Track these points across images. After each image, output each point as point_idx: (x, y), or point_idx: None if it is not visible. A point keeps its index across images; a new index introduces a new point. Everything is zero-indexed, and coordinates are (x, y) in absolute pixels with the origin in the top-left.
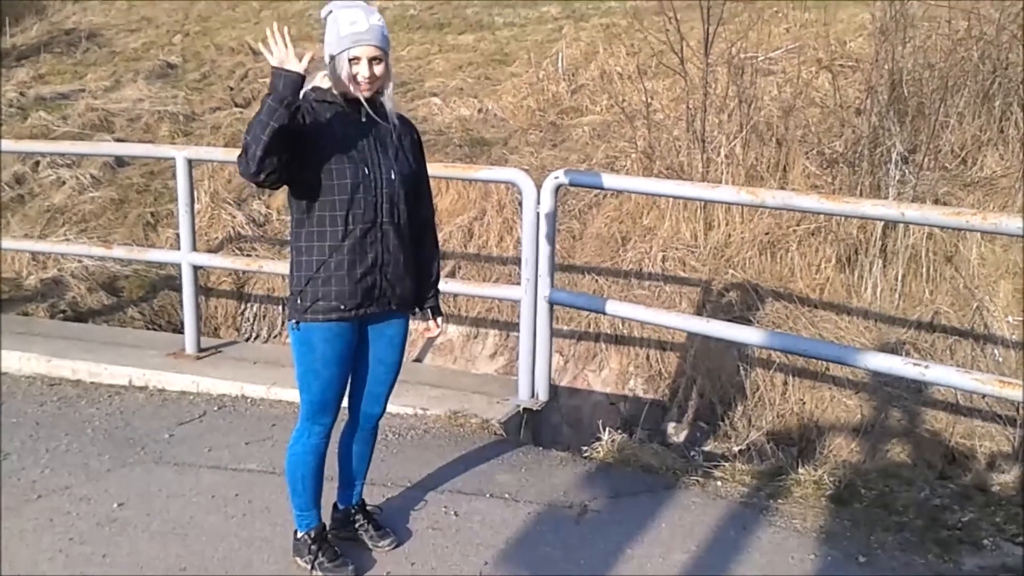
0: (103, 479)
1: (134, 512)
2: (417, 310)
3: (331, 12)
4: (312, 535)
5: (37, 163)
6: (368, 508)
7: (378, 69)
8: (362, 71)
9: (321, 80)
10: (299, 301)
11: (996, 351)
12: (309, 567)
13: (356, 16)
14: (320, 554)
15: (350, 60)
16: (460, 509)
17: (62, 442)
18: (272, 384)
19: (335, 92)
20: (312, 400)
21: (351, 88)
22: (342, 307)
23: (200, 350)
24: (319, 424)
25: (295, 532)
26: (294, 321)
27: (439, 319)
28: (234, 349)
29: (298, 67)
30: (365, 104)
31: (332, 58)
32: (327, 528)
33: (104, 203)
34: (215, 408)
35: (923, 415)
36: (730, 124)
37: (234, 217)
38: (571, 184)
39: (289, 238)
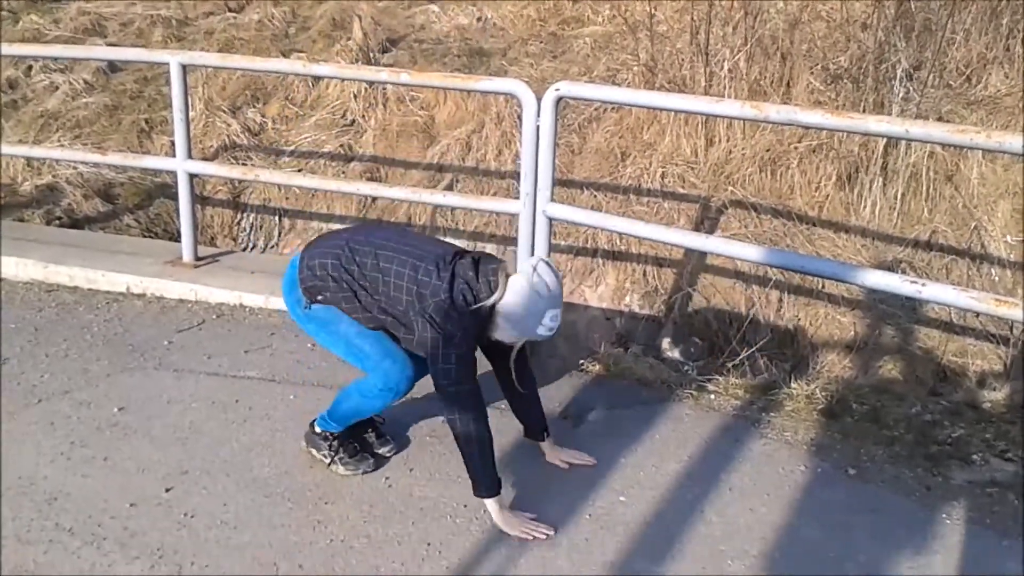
0: (103, 384)
1: (134, 417)
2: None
3: (543, 297)
4: (333, 433)
5: (30, 68)
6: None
7: None
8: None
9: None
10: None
11: (992, 270)
12: (328, 460)
13: (556, 324)
14: (341, 449)
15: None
16: None
17: (61, 347)
18: (270, 294)
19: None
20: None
21: (493, 335)
22: None
23: (197, 259)
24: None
25: (312, 426)
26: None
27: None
28: (231, 258)
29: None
30: None
31: (507, 322)
32: None
33: (98, 109)
34: (213, 316)
35: (916, 333)
36: (735, 37)
37: (229, 125)
38: (572, 97)
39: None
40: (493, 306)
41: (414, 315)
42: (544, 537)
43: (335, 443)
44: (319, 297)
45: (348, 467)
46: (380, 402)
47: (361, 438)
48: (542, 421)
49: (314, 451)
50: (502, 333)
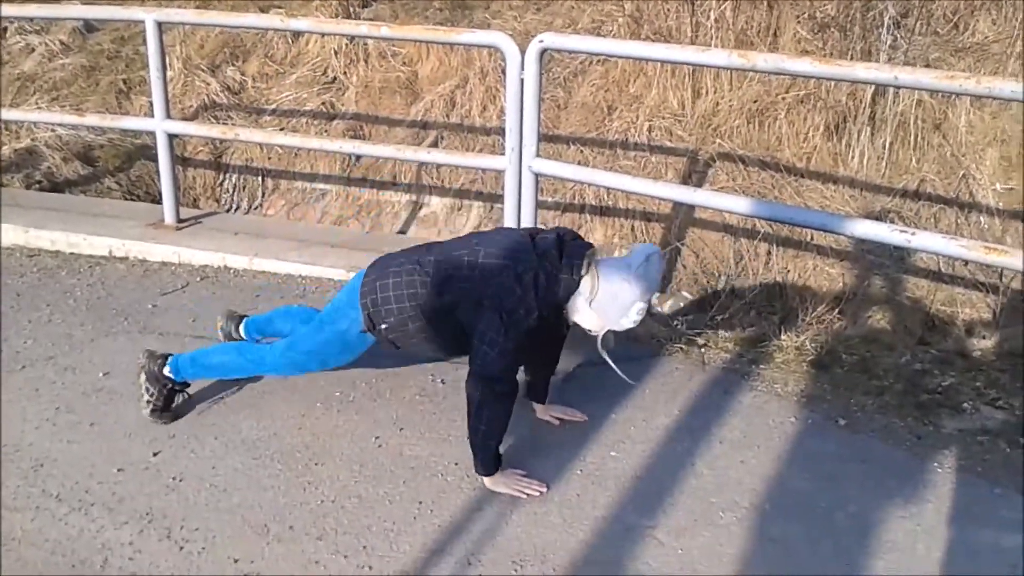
0: (87, 349)
1: (120, 381)
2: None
3: (636, 286)
4: (173, 380)
5: (5, 30)
6: None
7: None
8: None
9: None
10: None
11: (981, 218)
12: (147, 402)
13: (640, 317)
14: (162, 398)
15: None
16: (447, 377)
17: (44, 312)
18: (255, 255)
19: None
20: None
21: (571, 318)
22: None
23: (180, 221)
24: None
25: (161, 359)
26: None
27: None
28: (214, 220)
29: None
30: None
31: (591, 310)
32: None
33: (75, 70)
34: (197, 279)
35: (904, 283)
36: None
37: (208, 84)
38: (556, 49)
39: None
40: (573, 289)
41: (485, 323)
42: (537, 494)
43: (165, 388)
44: (383, 326)
45: (154, 415)
46: (253, 370)
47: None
48: (548, 386)
49: (143, 379)
50: (582, 319)
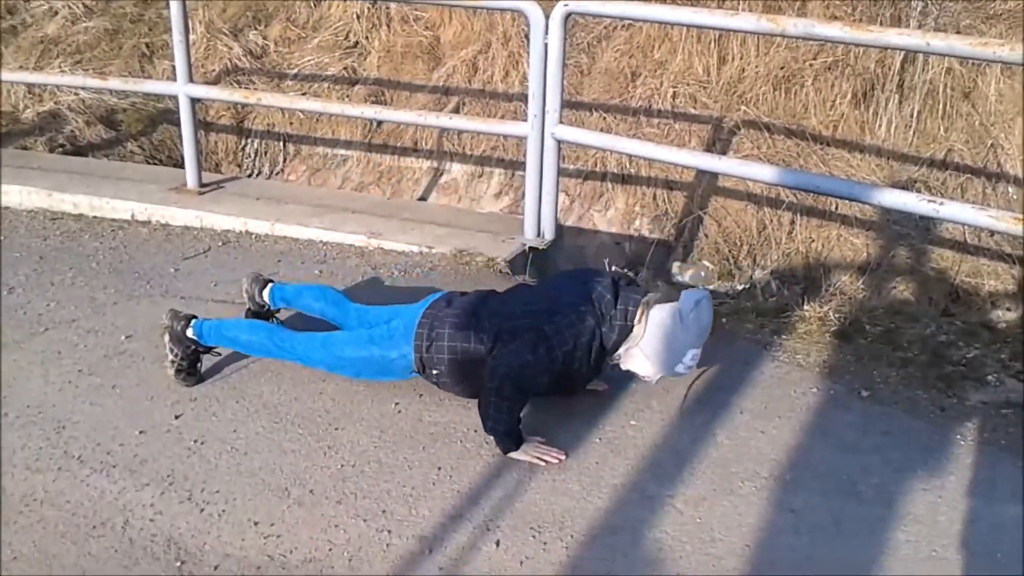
0: (110, 312)
1: (142, 344)
2: None
3: (690, 332)
4: (197, 342)
5: None
6: None
7: None
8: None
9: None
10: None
11: (1009, 189)
12: (171, 362)
13: (694, 364)
14: (186, 360)
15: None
16: None
17: (67, 276)
18: (276, 220)
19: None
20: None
21: (622, 364)
22: None
23: (202, 185)
24: None
25: (186, 319)
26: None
27: None
28: (236, 185)
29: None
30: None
31: (644, 355)
32: None
33: (98, 33)
34: (219, 244)
35: (929, 253)
36: None
37: (230, 48)
38: (581, 13)
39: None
40: (625, 334)
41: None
42: (556, 462)
43: (190, 350)
44: (435, 372)
45: (178, 376)
46: (279, 355)
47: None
48: None
49: (167, 339)
50: (636, 365)
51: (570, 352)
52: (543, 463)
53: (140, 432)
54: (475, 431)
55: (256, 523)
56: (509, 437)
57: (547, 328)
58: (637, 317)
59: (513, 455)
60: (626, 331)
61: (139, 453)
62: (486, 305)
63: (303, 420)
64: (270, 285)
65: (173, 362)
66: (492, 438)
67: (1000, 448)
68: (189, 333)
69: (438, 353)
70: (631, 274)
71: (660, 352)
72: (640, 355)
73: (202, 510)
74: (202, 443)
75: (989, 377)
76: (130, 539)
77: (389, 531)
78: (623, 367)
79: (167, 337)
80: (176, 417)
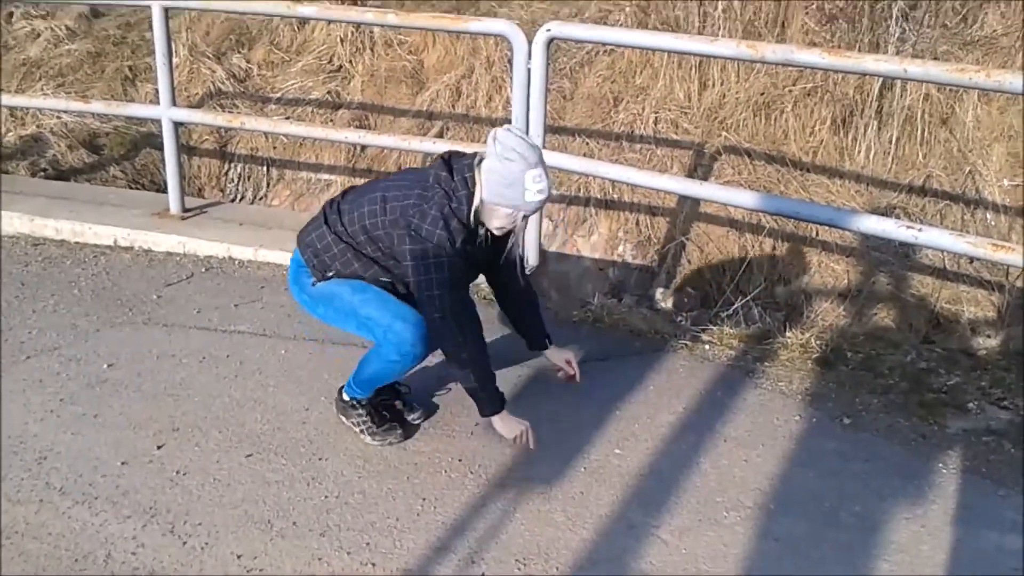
0: (92, 339)
1: (124, 372)
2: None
3: (513, 160)
4: (361, 401)
5: (11, 15)
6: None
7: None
8: (520, 224)
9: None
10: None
11: (987, 215)
12: (357, 430)
13: (543, 184)
14: (369, 419)
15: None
16: (451, 374)
17: (49, 302)
18: (259, 246)
19: (470, 218)
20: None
21: (492, 226)
22: None
23: (185, 210)
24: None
25: (340, 393)
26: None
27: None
28: (219, 210)
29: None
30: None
31: (496, 204)
32: None
33: (81, 56)
34: (202, 269)
35: (909, 280)
36: None
37: (214, 72)
38: (564, 38)
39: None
40: (473, 199)
41: (397, 242)
42: (532, 448)
43: (363, 412)
44: (329, 273)
45: (376, 438)
46: (400, 367)
47: (391, 407)
48: (543, 328)
49: (344, 419)
50: (495, 217)
51: (438, 223)
52: (518, 444)
53: (122, 463)
54: (459, 460)
55: (239, 556)
56: (485, 390)
57: (412, 220)
58: (475, 180)
59: (501, 427)
60: (471, 193)
61: (121, 484)
62: (331, 202)
63: (286, 450)
64: None
65: (362, 431)
66: (478, 406)
67: (981, 476)
68: (345, 398)
69: (325, 251)
70: (463, 150)
71: (502, 192)
72: (491, 208)
73: (184, 543)
74: (184, 474)
75: (970, 404)
76: (112, 573)
77: (373, 564)
78: (494, 231)
79: (341, 417)
80: (158, 447)
